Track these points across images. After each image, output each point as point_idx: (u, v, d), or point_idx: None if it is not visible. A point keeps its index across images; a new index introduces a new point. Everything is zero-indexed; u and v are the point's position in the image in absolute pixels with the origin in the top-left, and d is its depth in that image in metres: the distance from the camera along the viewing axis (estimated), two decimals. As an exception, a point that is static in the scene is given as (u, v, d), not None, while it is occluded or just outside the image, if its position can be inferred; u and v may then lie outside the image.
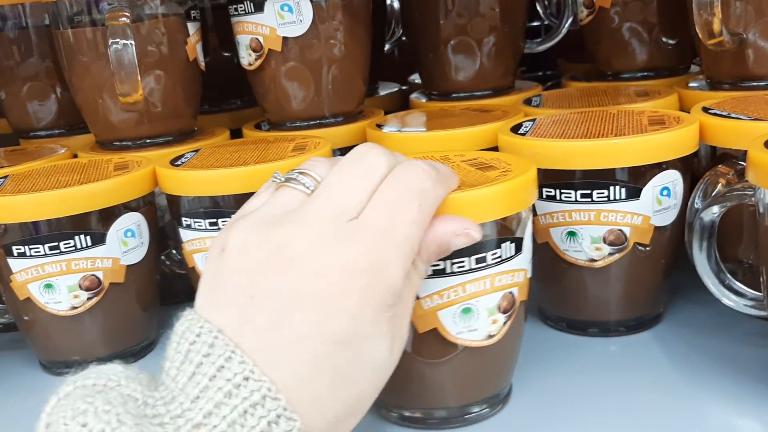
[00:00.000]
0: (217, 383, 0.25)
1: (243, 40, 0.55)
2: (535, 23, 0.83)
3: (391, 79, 0.77)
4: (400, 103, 0.70)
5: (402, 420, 0.37)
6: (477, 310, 0.34)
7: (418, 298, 0.33)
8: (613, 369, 0.41)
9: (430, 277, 0.33)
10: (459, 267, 0.33)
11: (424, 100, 0.64)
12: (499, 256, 0.34)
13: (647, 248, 0.41)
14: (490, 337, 0.35)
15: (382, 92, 0.73)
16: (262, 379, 0.25)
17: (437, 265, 0.33)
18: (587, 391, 0.39)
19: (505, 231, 0.34)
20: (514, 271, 0.35)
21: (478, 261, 0.33)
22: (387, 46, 0.76)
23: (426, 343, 0.34)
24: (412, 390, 0.36)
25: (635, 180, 0.40)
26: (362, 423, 0.37)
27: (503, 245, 0.34)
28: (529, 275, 0.36)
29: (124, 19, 0.48)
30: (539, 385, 0.40)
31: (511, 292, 0.35)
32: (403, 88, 0.75)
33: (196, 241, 0.45)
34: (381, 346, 0.28)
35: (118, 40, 0.48)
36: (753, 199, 0.36)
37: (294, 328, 0.26)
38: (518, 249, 0.35)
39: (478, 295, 0.34)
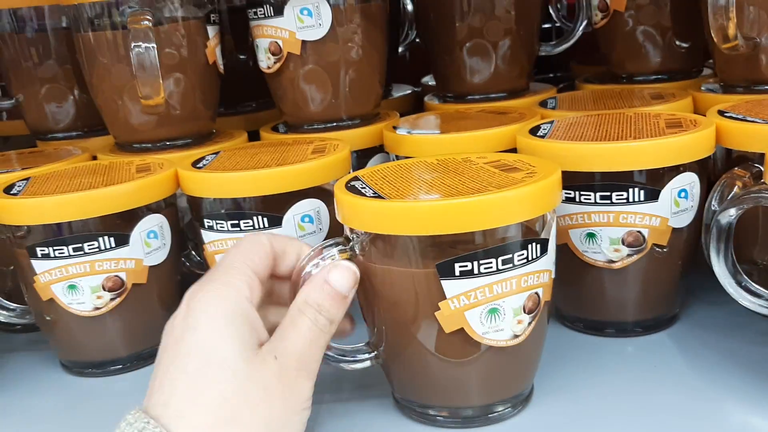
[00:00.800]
0: None
1: (262, 44, 0.55)
2: (546, 25, 0.83)
3: (404, 81, 0.78)
4: (414, 105, 0.71)
5: (425, 419, 0.38)
6: (503, 310, 0.34)
7: (445, 298, 0.34)
8: (630, 370, 0.41)
9: (457, 277, 0.34)
10: (486, 268, 0.34)
11: (438, 102, 0.64)
12: (526, 257, 0.34)
13: (665, 249, 0.42)
14: (516, 337, 0.35)
15: (396, 94, 0.73)
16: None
17: (465, 266, 0.33)
18: (606, 391, 0.39)
19: (530, 232, 0.35)
20: (540, 272, 0.35)
21: (504, 262, 0.34)
22: (400, 49, 0.77)
23: (452, 343, 0.35)
24: (437, 389, 0.37)
25: (653, 182, 0.40)
26: (386, 422, 0.38)
27: (529, 246, 0.34)
28: (553, 276, 0.37)
29: (146, 22, 0.49)
30: (559, 385, 0.40)
31: (536, 293, 0.35)
32: (416, 90, 0.75)
33: (218, 242, 0.45)
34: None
35: (140, 43, 0.49)
36: (770, 201, 0.36)
37: None
38: (543, 250, 0.35)
39: (505, 295, 0.34)
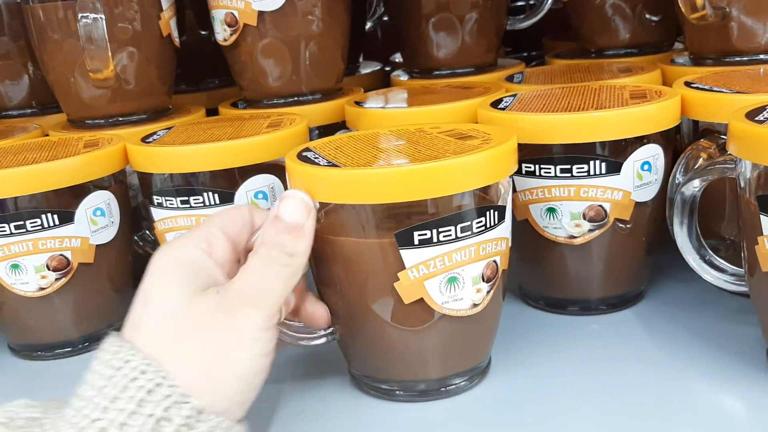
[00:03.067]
0: (114, 381, 0.28)
1: (218, 15, 0.53)
2: (519, 3, 0.82)
3: (373, 58, 0.76)
4: (382, 82, 0.69)
5: (382, 393, 0.37)
6: (462, 279, 0.34)
7: (404, 268, 0.33)
8: (593, 347, 0.40)
9: (416, 246, 0.33)
10: (445, 236, 0.33)
11: (405, 78, 0.63)
12: (484, 225, 0.34)
13: (628, 225, 0.41)
14: (475, 306, 0.35)
15: (364, 71, 0.72)
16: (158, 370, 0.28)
17: (424, 234, 0.32)
18: (567, 367, 0.38)
19: (487, 200, 0.34)
20: (497, 239, 0.34)
21: (463, 230, 0.33)
22: (368, 25, 0.75)
23: (411, 314, 0.34)
24: (395, 363, 0.36)
25: (616, 154, 0.39)
26: (343, 398, 0.37)
27: (487, 213, 0.34)
28: (509, 245, 0.36)
29: (93, -8, 0.47)
30: (518, 360, 0.39)
31: (494, 261, 0.35)
32: (386, 68, 0.74)
33: (168, 219, 0.44)
34: None
35: (87, 14, 0.47)
36: (734, 172, 0.35)
37: None
38: (501, 217, 0.34)
39: (464, 263, 0.33)
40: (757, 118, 0.33)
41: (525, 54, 0.83)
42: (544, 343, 0.41)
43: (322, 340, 0.38)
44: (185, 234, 0.34)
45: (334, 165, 0.33)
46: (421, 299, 0.34)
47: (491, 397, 0.37)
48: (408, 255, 0.33)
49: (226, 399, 0.30)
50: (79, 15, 0.47)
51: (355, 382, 0.39)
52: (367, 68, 0.72)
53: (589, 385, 0.37)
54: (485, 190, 0.34)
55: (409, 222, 0.33)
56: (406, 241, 0.33)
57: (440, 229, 0.33)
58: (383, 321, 0.35)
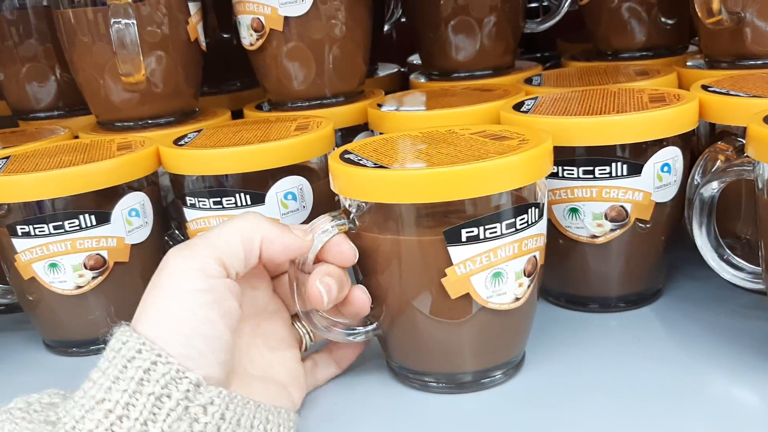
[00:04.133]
0: (115, 362, 0.30)
1: (244, 20, 0.55)
2: (533, 4, 0.83)
3: (390, 61, 0.77)
4: (400, 84, 0.70)
5: (419, 384, 0.39)
6: (506, 273, 0.35)
7: (452, 264, 0.34)
8: (614, 343, 0.41)
9: (464, 243, 0.34)
10: (491, 233, 0.34)
11: (423, 80, 0.64)
12: (526, 221, 0.35)
13: (648, 224, 0.42)
14: (517, 300, 0.36)
15: (382, 73, 0.73)
16: (152, 348, 0.30)
17: (471, 231, 0.34)
18: (591, 361, 0.40)
19: (529, 197, 0.36)
20: (538, 235, 0.36)
21: (508, 227, 0.34)
22: (386, 27, 0.76)
23: (455, 308, 0.36)
24: (436, 355, 0.37)
25: (636, 156, 0.40)
26: (383, 389, 0.39)
27: (529, 210, 0.35)
28: (545, 240, 0.38)
29: (125, -2, 0.48)
30: (547, 356, 0.41)
31: (534, 256, 0.36)
32: (402, 69, 0.75)
33: (200, 220, 0.45)
34: None
35: (120, 19, 0.48)
36: (752, 174, 0.36)
37: None
38: (540, 214, 0.36)
39: (508, 259, 0.35)
40: (775, 123, 0.35)
41: (539, 55, 0.84)
42: (568, 340, 0.42)
43: (366, 336, 0.39)
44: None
45: (382, 167, 0.35)
46: (467, 294, 0.35)
47: (525, 390, 0.38)
48: (455, 252, 0.34)
49: (217, 365, 0.31)
50: (112, 20, 0.49)
51: (394, 374, 0.40)
52: (385, 70, 0.74)
53: (609, 379, 0.38)
54: (520, 189, 0.35)
55: (449, 220, 0.34)
56: (454, 239, 0.34)
57: (486, 227, 0.34)
58: (425, 315, 0.36)
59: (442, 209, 0.35)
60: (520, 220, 0.35)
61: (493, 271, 0.35)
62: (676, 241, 0.45)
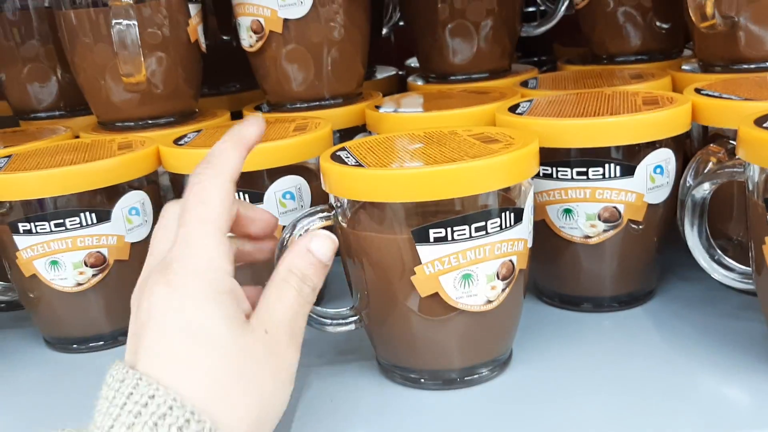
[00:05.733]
0: (128, 408, 0.27)
1: (244, 22, 0.55)
2: (531, 9, 0.83)
3: (388, 63, 0.78)
4: (397, 87, 0.71)
5: (408, 381, 0.39)
6: (476, 276, 0.35)
7: (421, 263, 0.35)
8: (606, 342, 0.42)
9: (432, 243, 0.34)
10: (459, 235, 0.34)
11: (421, 83, 0.65)
12: (499, 225, 0.35)
13: (640, 225, 0.42)
14: (489, 302, 0.36)
15: (380, 75, 0.73)
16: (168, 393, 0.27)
17: (439, 232, 0.34)
18: (581, 361, 0.40)
19: (506, 201, 0.36)
20: (514, 240, 0.36)
21: (477, 229, 0.35)
22: (384, 30, 0.77)
23: (430, 306, 0.36)
24: (418, 351, 0.38)
25: (629, 158, 0.41)
26: (371, 384, 0.39)
27: (503, 215, 0.35)
28: (529, 245, 0.38)
29: (126, -1, 0.49)
30: (537, 354, 0.41)
31: (510, 260, 0.36)
32: (400, 72, 0.76)
33: (200, 218, 0.46)
34: None
35: (121, 20, 0.49)
36: (743, 176, 0.37)
37: None
38: (518, 219, 0.36)
39: (478, 261, 0.35)
40: (765, 125, 0.35)
41: (535, 59, 0.85)
42: (560, 338, 0.43)
43: (351, 327, 0.40)
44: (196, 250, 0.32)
45: (361, 165, 0.35)
46: (437, 293, 0.35)
47: (512, 386, 0.38)
48: (424, 251, 0.35)
49: None
50: (113, 21, 0.49)
51: (382, 369, 0.41)
52: (383, 73, 0.74)
53: (601, 378, 0.38)
54: (507, 191, 0.36)
55: (420, 220, 0.35)
56: (422, 238, 0.35)
57: (455, 228, 0.34)
58: (406, 312, 0.37)
59: (415, 209, 0.35)
60: (492, 223, 0.35)
61: (463, 272, 0.35)
62: (669, 242, 0.45)
